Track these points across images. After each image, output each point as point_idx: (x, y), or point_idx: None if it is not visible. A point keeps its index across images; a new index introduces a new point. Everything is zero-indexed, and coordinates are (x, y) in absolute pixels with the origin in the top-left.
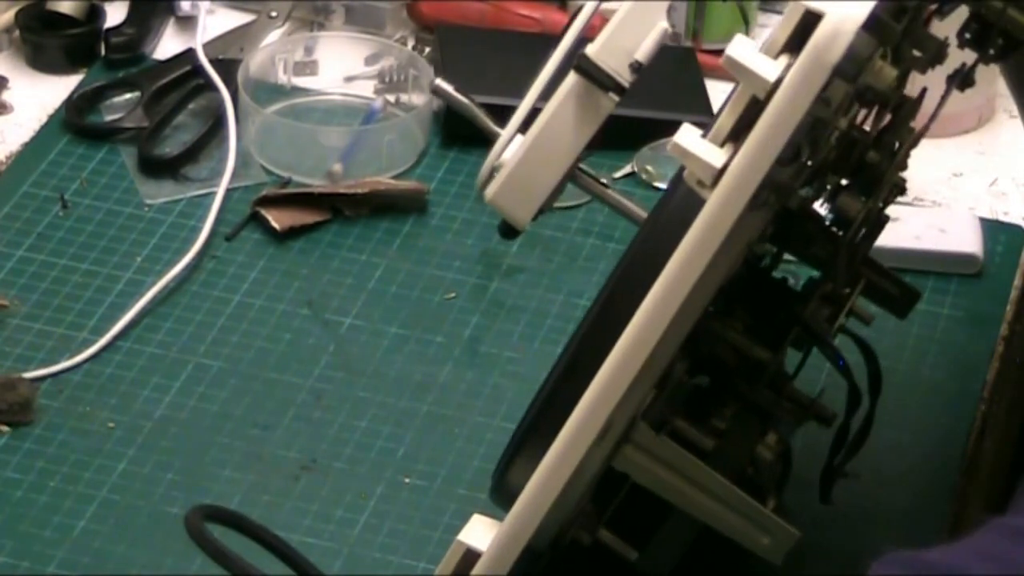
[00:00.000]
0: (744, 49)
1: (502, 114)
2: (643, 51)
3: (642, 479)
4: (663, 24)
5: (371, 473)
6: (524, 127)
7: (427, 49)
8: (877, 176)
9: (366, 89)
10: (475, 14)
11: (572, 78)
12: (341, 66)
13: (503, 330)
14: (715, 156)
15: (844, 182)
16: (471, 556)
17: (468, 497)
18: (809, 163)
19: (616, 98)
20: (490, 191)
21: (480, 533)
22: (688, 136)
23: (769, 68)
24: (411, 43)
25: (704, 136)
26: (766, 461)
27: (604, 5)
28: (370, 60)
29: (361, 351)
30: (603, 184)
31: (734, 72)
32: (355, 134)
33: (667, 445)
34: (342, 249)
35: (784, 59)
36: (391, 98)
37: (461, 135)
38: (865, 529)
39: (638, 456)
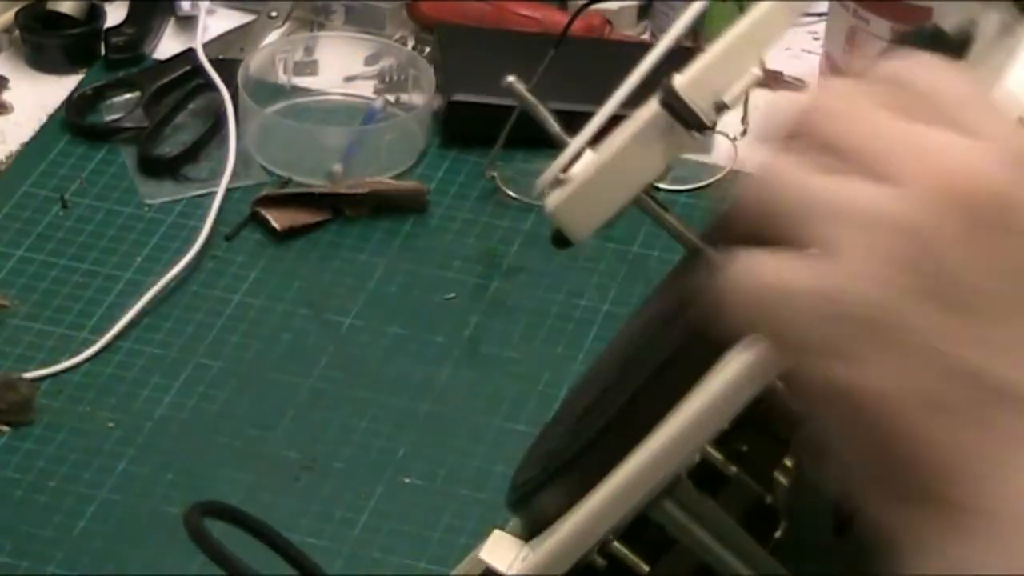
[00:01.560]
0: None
1: (503, 115)
2: (731, 94)
3: (676, 532)
4: (757, 71)
5: (371, 473)
6: (594, 140)
7: (427, 49)
8: None
9: (366, 89)
10: (475, 14)
11: (655, 108)
12: (341, 66)
13: (503, 330)
14: None
15: None
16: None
17: (468, 497)
18: None
19: (699, 136)
20: (552, 202)
21: (501, 553)
22: None
23: None
24: (411, 43)
25: None
26: (783, 486)
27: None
28: (370, 60)
29: (361, 351)
30: (664, 208)
31: None
32: (355, 134)
33: (707, 504)
34: (342, 249)
35: None
36: (391, 98)
37: (461, 135)
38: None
39: (676, 511)
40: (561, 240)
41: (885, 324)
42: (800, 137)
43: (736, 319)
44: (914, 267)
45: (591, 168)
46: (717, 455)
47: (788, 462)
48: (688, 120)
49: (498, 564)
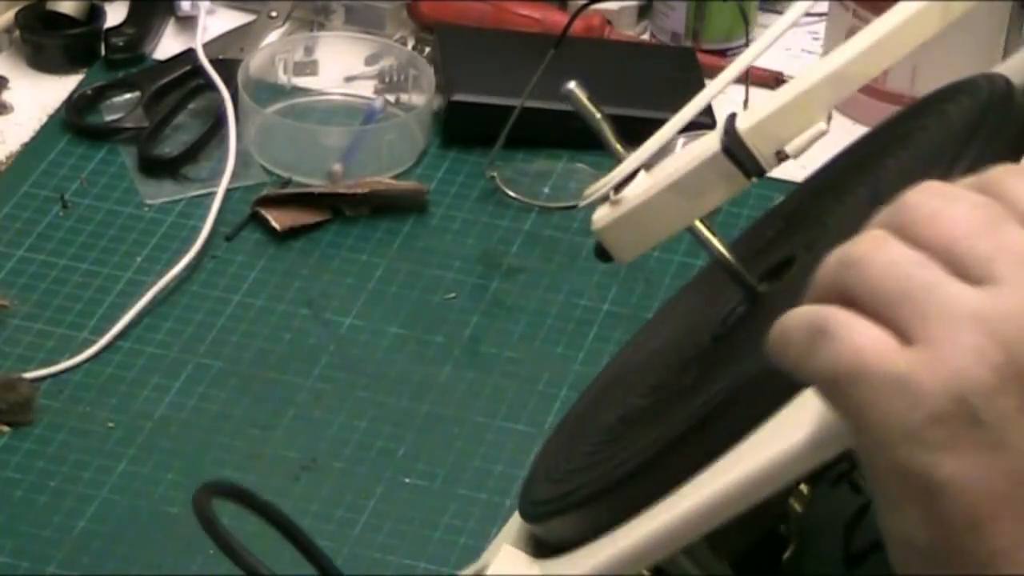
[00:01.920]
0: None
1: (503, 115)
2: (794, 146)
3: None
4: (823, 125)
5: (371, 473)
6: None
7: (427, 49)
8: None
9: (366, 89)
10: (475, 14)
11: (716, 149)
12: (341, 66)
13: (503, 330)
14: None
15: None
16: None
17: (468, 497)
18: None
19: (755, 181)
20: (599, 220)
21: (512, 569)
22: None
23: None
24: (411, 43)
25: None
26: (796, 513)
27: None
28: (370, 60)
29: (361, 351)
30: (713, 233)
31: None
32: (355, 134)
33: (721, 567)
34: (342, 249)
35: None
36: (391, 98)
37: (461, 135)
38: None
39: (689, 566)
40: (604, 255)
41: (967, 417)
42: (895, 219)
43: (819, 383)
44: (1003, 369)
45: (643, 196)
46: None
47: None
48: (748, 167)
49: None
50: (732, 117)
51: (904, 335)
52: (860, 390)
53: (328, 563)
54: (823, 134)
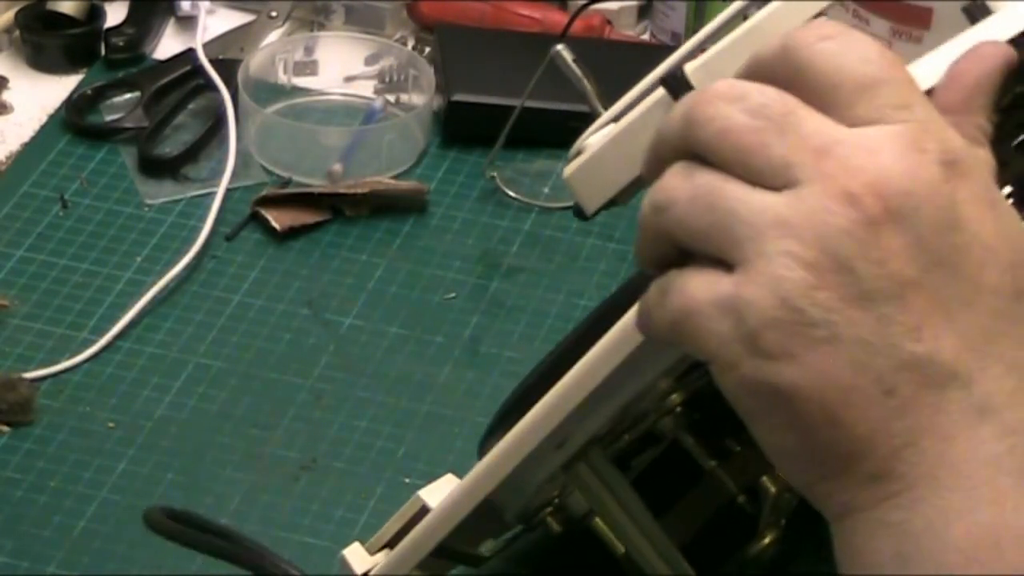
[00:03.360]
0: None
1: (503, 115)
2: None
3: (587, 498)
4: None
5: (371, 473)
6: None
7: (427, 49)
8: None
9: (366, 89)
10: (475, 14)
11: (663, 91)
12: (341, 66)
13: (503, 330)
14: None
15: None
16: (425, 512)
17: None
18: None
19: None
20: (568, 169)
21: (441, 493)
22: None
23: None
24: (411, 43)
25: None
26: (768, 493)
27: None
28: (370, 60)
29: (361, 351)
30: None
31: None
32: (355, 134)
33: (614, 473)
34: (342, 249)
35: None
36: (391, 98)
37: (461, 135)
38: None
39: (589, 476)
40: (579, 211)
41: (794, 319)
42: (687, 141)
43: (667, 336)
44: (816, 264)
45: (602, 140)
46: (695, 445)
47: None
48: None
49: (432, 501)
50: (682, 61)
51: (727, 264)
52: (694, 324)
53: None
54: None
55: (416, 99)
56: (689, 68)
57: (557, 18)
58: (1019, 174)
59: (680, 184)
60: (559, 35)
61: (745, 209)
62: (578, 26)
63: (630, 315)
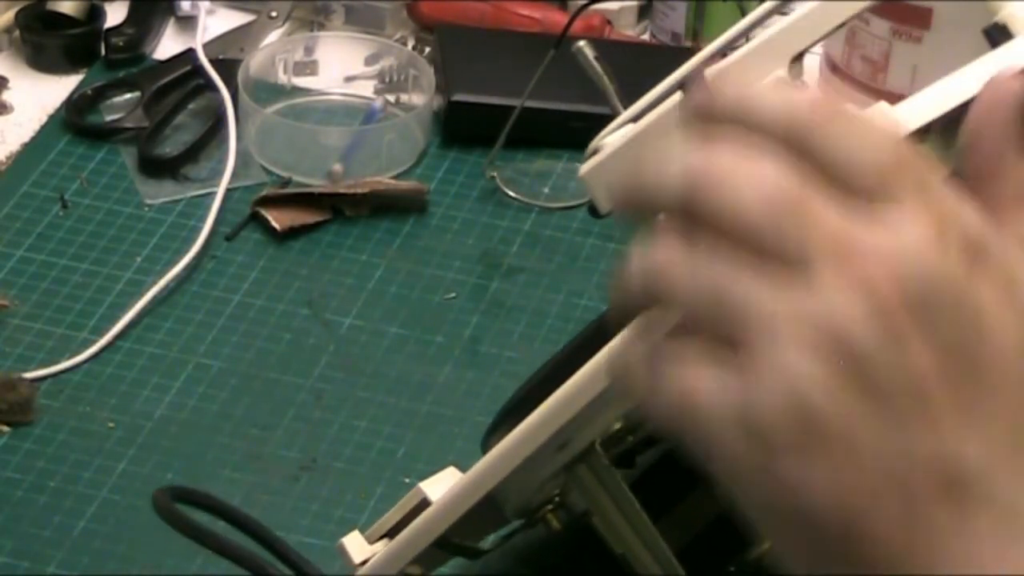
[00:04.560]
0: None
1: (503, 115)
2: None
3: (587, 499)
4: (781, 72)
5: (371, 473)
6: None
7: (427, 49)
8: None
9: (366, 89)
10: (475, 14)
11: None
12: (341, 66)
13: (503, 330)
14: None
15: None
16: (426, 505)
17: None
18: None
19: None
20: (584, 168)
21: (443, 486)
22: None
23: None
24: (411, 43)
25: None
26: None
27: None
28: (370, 60)
29: (361, 351)
30: None
31: None
32: (355, 134)
33: (613, 477)
34: (342, 249)
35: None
36: (391, 98)
37: (461, 135)
38: None
39: (588, 477)
40: (594, 210)
41: (804, 429)
42: (688, 206)
43: (663, 422)
44: (832, 364)
45: (620, 140)
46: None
47: None
48: None
49: (433, 494)
50: (703, 66)
51: (730, 346)
52: (696, 423)
53: (301, 561)
54: (784, 82)
55: (416, 99)
56: (709, 73)
57: (557, 18)
58: None
59: (679, 260)
60: (559, 35)
61: (757, 301)
62: (578, 26)
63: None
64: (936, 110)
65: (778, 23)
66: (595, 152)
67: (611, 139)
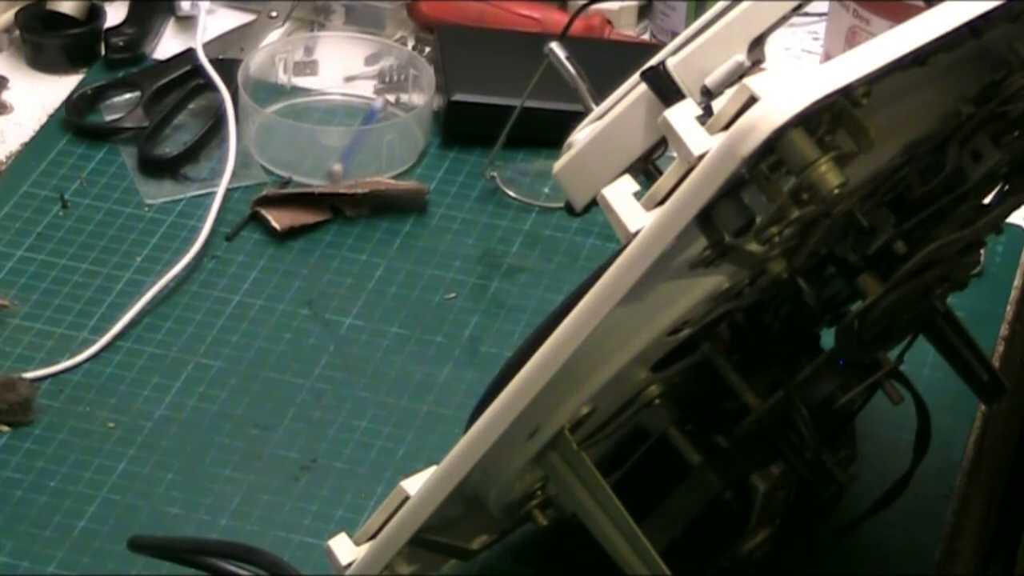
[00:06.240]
0: (681, 116)
1: (503, 115)
2: (713, 78)
3: (558, 484)
4: (740, 58)
5: (371, 473)
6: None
7: (427, 49)
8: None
9: (366, 89)
10: (475, 14)
11: (645, 86)
12: (341, 66)
13: (503, 330)
14: (699, 143)
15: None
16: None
17: None
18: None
19: None
20: (556, 166)
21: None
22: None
23: (698, 141)
24: (411, 43)
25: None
26: (757, 490)
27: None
28: (370, 60)
29: (361, 351)
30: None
31: (667, 136)
32: (355, 134)
33: (583, 461)
34: (342, 249)
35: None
36: (391, 98)
37: (461, 135)
38: (864, 528)
39: (560, 464)
40: (569, 207)
41: None
42: None
43: None
44: None
45: (589, 136)
46: (682, 441)
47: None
48: (664, 94)
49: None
50: (664, 58)
51: None
52: None
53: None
54: (741, 66)
55: (416, 99)
56: (671, 63)
57: (557, 18)
58: (992, 167)
59: None
60: (559, 35)
61: None
62: (578, 26)
63: (586, 301)
64: (862, 69)
65: (729, 15)
66: (568, 148)
67: (580, 136)
